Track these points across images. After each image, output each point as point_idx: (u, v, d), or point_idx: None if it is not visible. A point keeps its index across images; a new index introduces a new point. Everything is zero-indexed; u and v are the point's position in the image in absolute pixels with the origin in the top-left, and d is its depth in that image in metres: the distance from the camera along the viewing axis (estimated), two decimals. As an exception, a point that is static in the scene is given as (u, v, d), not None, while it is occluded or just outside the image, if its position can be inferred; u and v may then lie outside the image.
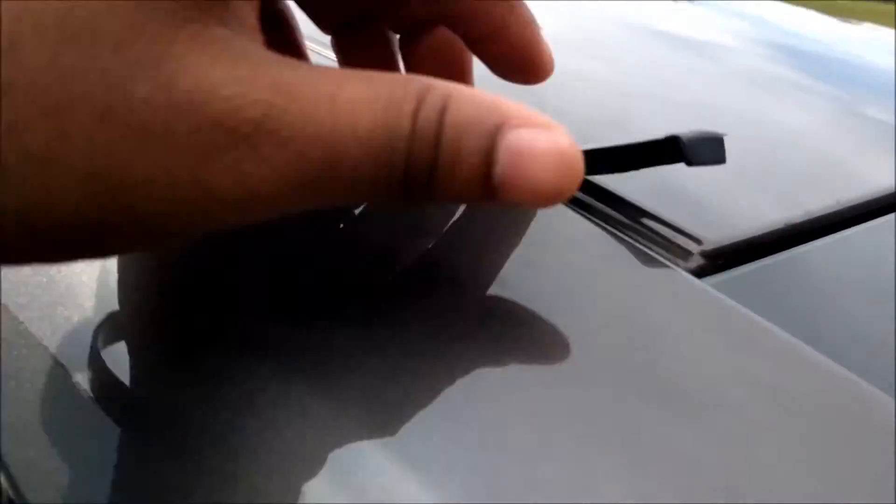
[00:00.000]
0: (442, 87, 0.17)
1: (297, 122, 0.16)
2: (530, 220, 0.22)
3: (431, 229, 0.22)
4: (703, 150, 0.21)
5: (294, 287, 0.20)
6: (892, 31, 0.62)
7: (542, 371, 0.17)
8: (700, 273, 0.21)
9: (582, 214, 0.22)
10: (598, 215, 0.23)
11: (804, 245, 0.22)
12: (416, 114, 0.17)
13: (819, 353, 0.17)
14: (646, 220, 0.23)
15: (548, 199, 0.17)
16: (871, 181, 0.26)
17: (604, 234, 0.21)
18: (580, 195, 0.24)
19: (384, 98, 0.16)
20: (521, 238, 0.21)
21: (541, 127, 0.17)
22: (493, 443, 0.15)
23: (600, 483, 0.14)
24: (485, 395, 0.16)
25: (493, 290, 0.19)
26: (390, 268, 0.20)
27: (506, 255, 0.21)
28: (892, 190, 0.25)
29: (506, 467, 0.14)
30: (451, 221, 0.22)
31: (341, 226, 0.22)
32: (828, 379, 0.17)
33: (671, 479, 0.14)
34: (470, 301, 0.19)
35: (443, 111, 0.17)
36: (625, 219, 0.23)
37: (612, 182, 0.24)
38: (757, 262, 0.21)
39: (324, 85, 0.16)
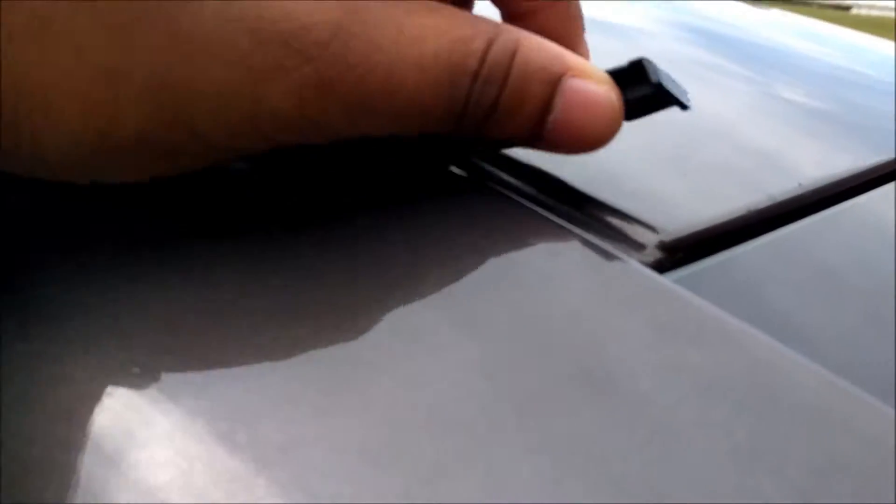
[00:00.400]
0: (512, 31, 0.17)
1: (362, 47, 0.15)
2: (472, 210, 0.19)
3: (373, 221, 0.19)
4: (667, 79, 0.19)
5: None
6: (802, 17, 0.64)
7: (476, 377, 0.14)
8: (658, 266, 0.19)
9: (525, 206, 0.20)
10: (542, 206, 0.20)
11: (774, 232, 0.20)
12: (485, 54, 0.17)
13: (804, 357, 0.15)
14: (594, 210, 0.20)
15: (589, 147, 0.19)
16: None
17: (549, 226, 0.19)
18: (521, 184, 0.21)
19: (452, 33, 0.16)
20: (460, 229, 0.19)
21: (597, 80, 0.18)
22: (427, 446, 0.13)
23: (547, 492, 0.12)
24: (424, 391, 0.14)
25: (424, 287, 0.17)
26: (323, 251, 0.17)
27: (441, 250, 0.18)
28: (853, 173, 0.23)
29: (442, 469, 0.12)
30: (388, 211, 0.19)
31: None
32: (815, 385, 0.15)
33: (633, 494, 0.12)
34: (404, 296, 0.16)
35: (513, 55, 0.17)
36: (571, 209, 0.20)
37: (556, 168, 0.22)
38: (723, 252, 0.19)
39: (393, 12, 0.16)
